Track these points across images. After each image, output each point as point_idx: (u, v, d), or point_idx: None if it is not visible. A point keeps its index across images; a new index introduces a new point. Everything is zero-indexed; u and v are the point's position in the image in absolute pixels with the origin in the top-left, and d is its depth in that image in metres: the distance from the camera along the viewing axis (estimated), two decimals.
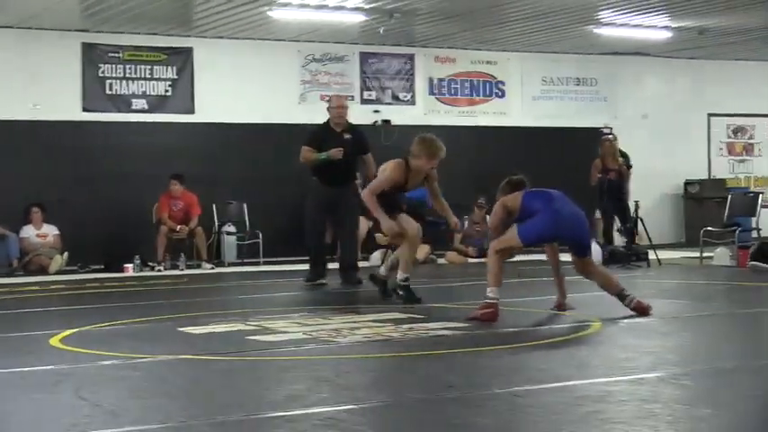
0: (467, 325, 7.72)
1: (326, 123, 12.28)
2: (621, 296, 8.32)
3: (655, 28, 17.27)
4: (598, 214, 15.65)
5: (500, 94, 19.05)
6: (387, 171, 9.54)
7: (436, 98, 18.48)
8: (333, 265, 12.57)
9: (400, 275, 9.61)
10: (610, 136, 16.80)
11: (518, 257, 15.15)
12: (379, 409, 4.80)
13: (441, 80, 18.53)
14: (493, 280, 8.11)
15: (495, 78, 19.00)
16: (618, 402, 4.86)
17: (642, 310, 8.20)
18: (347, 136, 12.12)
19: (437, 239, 15.55)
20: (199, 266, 15.52)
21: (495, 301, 8.01)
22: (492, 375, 5.70)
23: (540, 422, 4.50)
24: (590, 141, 16.83)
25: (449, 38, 17.69)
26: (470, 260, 16.25)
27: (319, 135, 12.17)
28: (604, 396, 4.99)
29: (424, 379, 5.63)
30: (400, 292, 9.56)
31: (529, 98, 19.29)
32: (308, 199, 12.40)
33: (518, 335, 7.30)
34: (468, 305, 9.12)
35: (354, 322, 7.98)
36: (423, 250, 15.83)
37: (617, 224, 15.55)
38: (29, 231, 15.58)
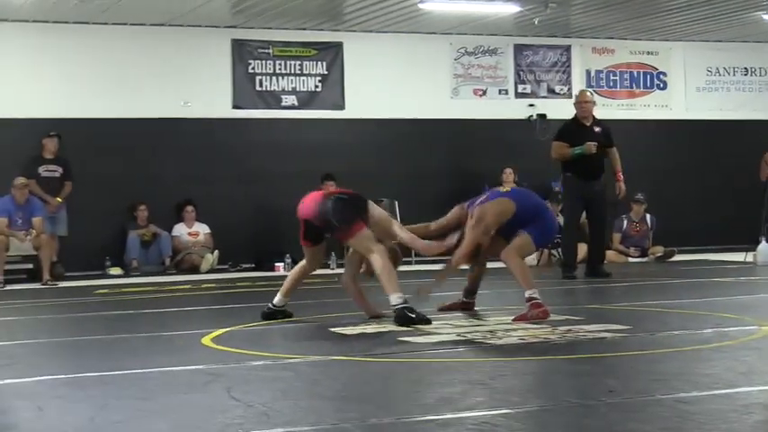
0: (627, 327, 7.36)
1: (575, 118, 12.59)
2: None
3: None
4: None
5: (662, 85, 18.43)
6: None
7: (594, 91, 17.89)
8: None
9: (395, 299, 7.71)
10: None
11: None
12: (535, 414, 4.56)
13: (599, 72, 18.03)
14: None
15: (657, 69, 18.39)
16: None
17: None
18: (597, 129, 12.41)
19: None
20: None
21: None
22: (654, 380, 5.37)
23: (707, 431, 4.17)
24: (760, 134, 16.10)
25: (607, 28, 17.20)
26: (631, 260, 15.66)
27: (570, 130, 12.51)
28: None
29: (582, 383, 5.35)
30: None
31: (693, 89, 18.62)
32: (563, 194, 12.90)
33: (680, 338, 6.89)
34: (630, 307, 8.70)
35: (509, 323, 7.70)
36: (581, 250, 15.32)
37: None
38: (181, 230, 15.66)
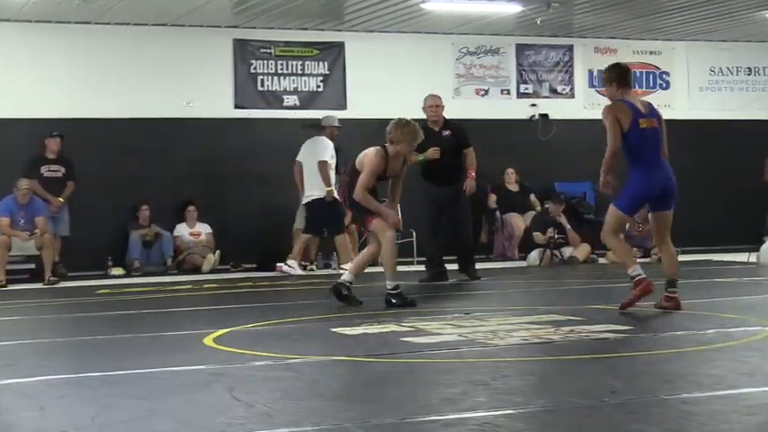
0: (630, 327, 7.38)
1: (425, 123, 12.00)
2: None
3: None
4: None
5: (664, 85, 18.39)
6: (371, 161, 9.24)
7: (596, 91, 17.86)
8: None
9: (388, 284, 9.28)
10: None
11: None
12: (538, 415, 4.58)
13: (601, 72, 17.86)
14: None
15: (659, 69, 18.36)
16: None
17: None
18: (446, 133, 12.18)
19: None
20: None
21: None
22: (657, 381, 5.40)
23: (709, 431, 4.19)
24: (763, 134, 16.04)
25: (609, 27, 17.16)
26: None
27: None
28: None
29: (585, 384, 5.35)
30: (393, 301, 9.23)
31: (695, 89, 18.57)
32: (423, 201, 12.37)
33: (683, 339, 6.89)
34: (632, 307, 8.66)
35: (511, 324, 7.71)
36: (584, 250, 15.27)
37: None
38: (182, 230, 15.63)
